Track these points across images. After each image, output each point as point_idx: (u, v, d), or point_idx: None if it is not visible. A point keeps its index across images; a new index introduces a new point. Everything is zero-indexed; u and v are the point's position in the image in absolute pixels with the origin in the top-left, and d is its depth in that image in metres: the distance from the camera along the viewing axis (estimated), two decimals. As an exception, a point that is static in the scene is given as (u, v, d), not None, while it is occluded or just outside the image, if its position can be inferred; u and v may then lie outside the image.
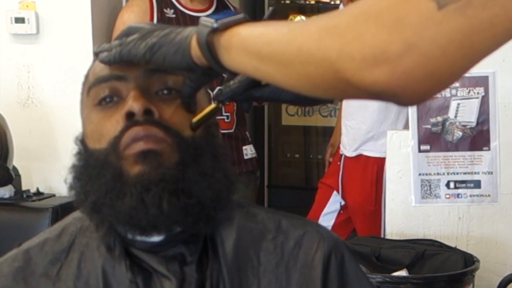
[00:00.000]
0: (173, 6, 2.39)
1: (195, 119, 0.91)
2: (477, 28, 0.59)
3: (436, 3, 0.59)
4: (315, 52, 0.64)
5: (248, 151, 2.56)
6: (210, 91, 1.04)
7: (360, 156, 2.76)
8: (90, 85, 0.94)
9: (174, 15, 2.38)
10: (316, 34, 0.65)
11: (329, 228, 2.68)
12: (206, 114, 0.92)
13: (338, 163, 2.86)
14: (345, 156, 2.82)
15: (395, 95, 0.62)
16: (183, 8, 2.40)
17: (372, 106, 2.69)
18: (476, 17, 0.58)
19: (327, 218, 2.87)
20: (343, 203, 2.85)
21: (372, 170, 2.73)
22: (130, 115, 0.88)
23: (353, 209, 2.81)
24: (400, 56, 0.59)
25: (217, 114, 0.97)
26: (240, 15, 0.77)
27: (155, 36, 0.84)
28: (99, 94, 0.93)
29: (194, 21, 2.27)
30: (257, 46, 0.71)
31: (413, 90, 0.62)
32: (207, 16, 0.83)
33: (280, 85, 0.72)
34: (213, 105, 0.94)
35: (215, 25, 0.76)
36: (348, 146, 2.80)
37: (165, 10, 2.38)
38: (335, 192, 2.87)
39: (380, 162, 2.68)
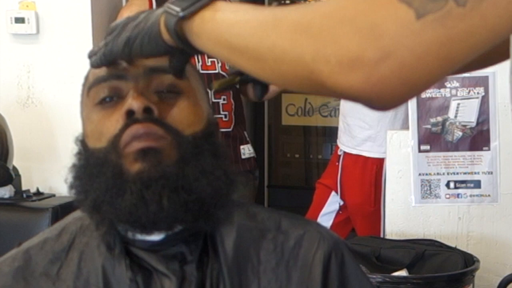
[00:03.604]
0: None
1: (216, 83, 0.93)
2: (455, 38, 0.58)
3: (415, 12, 0.58)
4: (289, 52, 0.63)
5: (246, 150, 2.56)
6: (209, 90, 1.04)
7: (359, 156, 2.76)
8: (90, 85, 0.94)
9: None
10: (290, 33, 0.63)
11: (328, 228, 2.67)
12: (227, 81, 0.94)
13: (337, 163, 2.86)
14: (345, 154, 2.82)
15: (370, 100, 0.62)
16: None
17: None
18: (455, 27, 0.58)
19: (326, 218, 2.86)
20: (341, 203, 2.85)
21: (371, 170, 2.73)
22: (129, 114, 0.89)
23: (352, 210, 2.81)
24: (376, 63, 0.58)
25: (236, 84, 0.98)
26: None
27: (128, 29, 0.84)
28: (99, 94, 0.93)
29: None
30: (227, 38, 0.70)
31: (388, 97, 0.61)
32: None
33: (252, 75, 0.71)
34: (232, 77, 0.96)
35: (181, 14, 0.75)
36: (347, 143, 2.80)
37: None
38: (333, 193, 2.87)
39: (379, 163, 2.68)
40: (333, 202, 2.87)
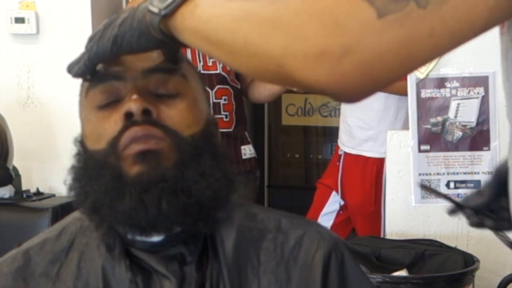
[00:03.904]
0: None
1: None
2: (415, 39, 0.59)
3: (376, 11, 0.59)
4: (259, 47, 0.65)
5: (247, 151, 2.56)
6: (209, 90, 1.04)
7: (359, 156, 2.76)
8: (89, 86, 0.94)
9: None
10: (260, 27, 0.65)
11: (328, 228, 2.68)
12: None
13: (337, 163, 2.86)
14: (345, 154, 2.82)
15: (335, 93, 0.64)
16: None
17: (370, 105, 2.69)
18: (414, 28, 0.59)
19: (326, 218, 2.87)
20: (342, 203, 2.85)
21: (371, 170, 2.73)
22: (128, 116, 0.88)
23: (353, 210, 2.81)
24: (339, 58, 0.60)
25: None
26: None
27: (113, 29, 0.84)
28: (98, 96, 0.92)
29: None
30: (205, 32, 0.72)
31: (351, 91, 0.63)
32: None
33: (232, 68, 0.74)
34: None
35: (162, 12, 0.76)
36: (347, 143, 2.81)
37: None
38: (334, 192, 2.87)
39: (379, 163, 2.68)
40: (334, 202, 2.88)
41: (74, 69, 0.90)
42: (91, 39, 0.88)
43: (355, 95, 0.64)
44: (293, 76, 0.63)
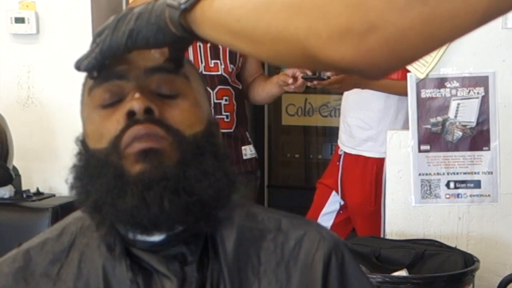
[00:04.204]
0: None
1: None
2: (438, 18, 0.61)
3: None
4: (283, 31, 0.67)
5: (248, 151, 2.56)
6: (210, 90, 1.05)
7: (359, 156, 2.77)
8: (91, 85, 0.94)
9: None
10: (282, 13, 0.67)
11: (328, 228, 2.68)
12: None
13: (337, 163, 2.86)
14: (345, 154, 2.82)
15: (361, 70, 0.65)
16: None
17: (370, 105, 2.69)
18: (437, 7, 0.60)
19: (326, 218, 2.87)
20: (342, 203, 2.85)
21: (371, 170, 2.73)
22: (130, 114, 0.88)
23: (352, 210, 2.81)
24: (364, 35, 0.62)
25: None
26: None
27: (128, 23, 0.85)
28: (101, 95, 0.92)
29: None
30: (226, 23, 0.73)
31: (377, 66, 0.65)
32: None
33: (253, 57, 0.75)
34: None
35: (182, 6, 0.77)
36: (347, 143, 2.81)
37: None
38: (334, 192, 2.87)
39: (379, 163, 2.68)
40: (334, 202, 2.88)
41: (84, 63, 0.90)
42: (99, 34, 0.88)
43: (380, 70, 0.66)
44: (317, 56, 0.65)
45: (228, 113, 2.48)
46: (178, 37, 0.81)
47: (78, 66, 0.91)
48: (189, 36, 0.80)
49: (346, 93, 2.79)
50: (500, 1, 0.61)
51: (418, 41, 0.62)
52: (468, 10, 0.60)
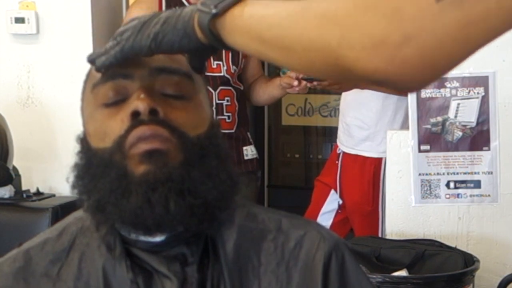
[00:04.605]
0: (182, 5, 2.38)
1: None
2: (472, 21, 0.60)
3: None
4: (316, 39, 0.66)
5: (249, 151, 2.57)
6: (212, 91, 1.05)
7: (357, 156, 2.77)
8: (96, 82, 0.93)
9: None
10: (316, 21, 0.66)
11: (327, 227, 2.67)
12: None
13: (336, 162, 2.86)
14: (344, 153, 2.82)
15: (394, 83, 0.64)
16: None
17: (368, 104, 2.69)
18: (471, 10, 0.60)
19: (325, 217, 2.87)
20: (341, 202, 2.85)
21: (369, 170, 2.73)
22: (135, 114, 0.88)
23: (350, 209, 2.81)
24: (399, 46, 0.61)
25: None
26: None
27: (154, 26, 0.85)
28: (105, 93, 0.92)
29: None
30: (258, 30, 0.72)
31: (411, 79, 0.64)
32: None
33: (283, 66, 0.74)
34: None
35: (214, 11, 0.77)
36: (346, 142, 2.81)
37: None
38: (332, 191, 2.87)
39: (377, 162, 2.68)
40: (333, 201, 2.88)
41: (101, 59, 0.89)
42: (121, 33, 0.88)
43: (414, 83, 0.65)
44: (350, 67, 0.64)
45: (229, 114, 2.48)
46: (203, 44, 0.82)
47: (92, 60, 0.91)
48: (216, 43, 0.80)
49: (344, 93, 2.79)
50: None
51: (453, 48, 0.61)
52: (502, 11, 0.60)
